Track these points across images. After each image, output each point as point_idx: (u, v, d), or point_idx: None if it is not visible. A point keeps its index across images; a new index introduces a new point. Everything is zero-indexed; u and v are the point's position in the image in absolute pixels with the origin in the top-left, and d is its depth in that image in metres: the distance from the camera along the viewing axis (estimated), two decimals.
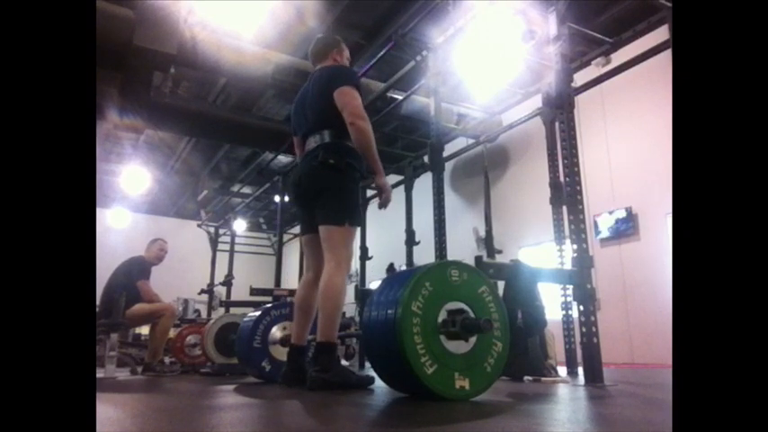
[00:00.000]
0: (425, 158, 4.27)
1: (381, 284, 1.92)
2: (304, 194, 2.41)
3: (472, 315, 1.69)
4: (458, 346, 1.66)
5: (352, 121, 2.26)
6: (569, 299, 3.43)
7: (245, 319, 3.18)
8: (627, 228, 6.22)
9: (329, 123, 2.36)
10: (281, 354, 2.92)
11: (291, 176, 2.56)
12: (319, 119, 2.40)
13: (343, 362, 5.62)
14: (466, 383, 1.63)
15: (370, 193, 5.81)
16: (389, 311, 1.65)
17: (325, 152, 2.32)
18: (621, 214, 6.29)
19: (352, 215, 2.29)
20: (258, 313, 3.03)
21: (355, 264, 7.63)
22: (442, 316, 1.66)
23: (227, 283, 7.79)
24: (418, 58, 3.96)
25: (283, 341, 2.95)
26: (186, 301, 10.31)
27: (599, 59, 6.09)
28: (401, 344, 1.56)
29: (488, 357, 1.71)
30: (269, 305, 3.25)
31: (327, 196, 2.30)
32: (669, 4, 3.52)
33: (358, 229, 2.43)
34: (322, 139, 2.37)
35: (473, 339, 1.68)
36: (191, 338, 4.83)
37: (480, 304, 1.74)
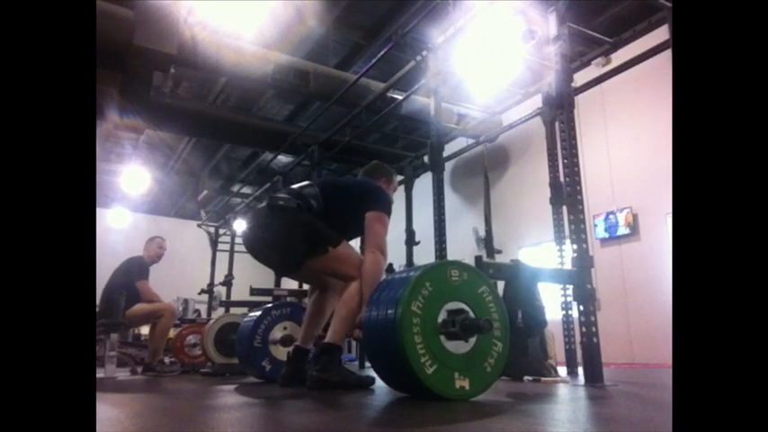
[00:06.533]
0: (425, 158, 4.27)
1: (381, 283, 1.92)
2: (265, 242, 2.34)
3: (472, 315, 1.69)
4: (458, 346, 1.65)
5: (373, 250, 2.24)
6: (569, 299, 3.43)
7: (246, 319, 3.18)
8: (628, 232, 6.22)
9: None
10: (281, 353, 2.92)
11: (246, 233, 2.49)
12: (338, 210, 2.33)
13: None
14: (466, 383, 1.63)
15: None
16: (389, 311, 1.65)
17: (273, 198, 2.30)
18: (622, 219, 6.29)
19: (329, 239, 2.25)
20: (259, 313, 3.03)
21: None
22: (442, 316, 1.66)
23: (227, 283, 7.78)
24: (418, 58, 3.96)
25: (284, 341, 2.95)
26: (186, 301, 10.30)
27: (599, 59, 6.08)
28: (401, 344, 1.56)
29: (488, 358, 1.71)
30: (270, 305, 3.26)
31: (293, 236, 2.22)
32: (669, 4, 3.51)
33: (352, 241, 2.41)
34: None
35: (473, 339, 1.68)
36: (191, 338, 4.83)
37: (480, 304, 1.74)
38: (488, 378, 1.70)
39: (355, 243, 2.53)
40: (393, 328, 1.60)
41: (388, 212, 2.36)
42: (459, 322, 1.63)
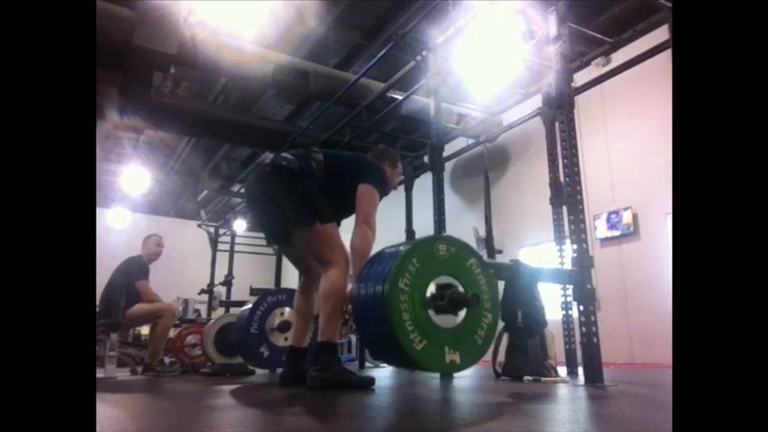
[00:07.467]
0: (425, 158, 4.26)
1: (372, 258, 1.92)
2: (262, 200, 2.35)
3: (461, 289, 1.69)
4: (447, 320, 1.66)
5: (361, 224, 2.22)
6: (569, 299, 3.43)
7: (242, 308, 3.20)
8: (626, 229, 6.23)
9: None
10: (279, 339, 2.94)
11: (246, 188, 2.51)
12: (332, 177, 2.33)
13: None
14: (456, 357, 1.63)
15: None
16: (377, 288, 1.65)
17: (278, 156, 2.31)
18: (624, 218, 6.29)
19: (318, 212, 2.23)
20: (254, 300, 3.05)
21: None
22: (430, 290, 1.66)
23: (227, 283, 7.78)
24: (418, 58, 3.96)
25: (281, 327, 2.96)
26: (186, 301, 10.29)
27: (599, 59, 6.08)
28: (389, 323, 1.56)
29: (479, 330, 1.71)
30: (265, 292, 3.27)
31: (287, 199, 2.23)
32: (669, 4, 3.51)
33: (338, 227, 2.38)
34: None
35: (463, 313, 1.68)
36: (191, 338, 4.82)
37: (469, 277, 1.74)
38: (479, 350, 1.71)
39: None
40: (381, 306, 1.60)
41: (381, 189, 2.34)
42: (448, 297, 1.63)
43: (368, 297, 1.70)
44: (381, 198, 2.36)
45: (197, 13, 5.72)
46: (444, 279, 1.69)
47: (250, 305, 3.07)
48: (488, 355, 2.81)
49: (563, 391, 2.10)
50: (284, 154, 2.34)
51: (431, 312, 1.63)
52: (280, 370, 2.74)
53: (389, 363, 1.85)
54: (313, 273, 2.46)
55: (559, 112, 2.76)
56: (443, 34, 3.83)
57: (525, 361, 2.67)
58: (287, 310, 3.02)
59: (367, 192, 2.27)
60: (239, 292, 6.70)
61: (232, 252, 8.30)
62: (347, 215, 2.42)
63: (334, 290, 2.15)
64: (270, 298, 3.05)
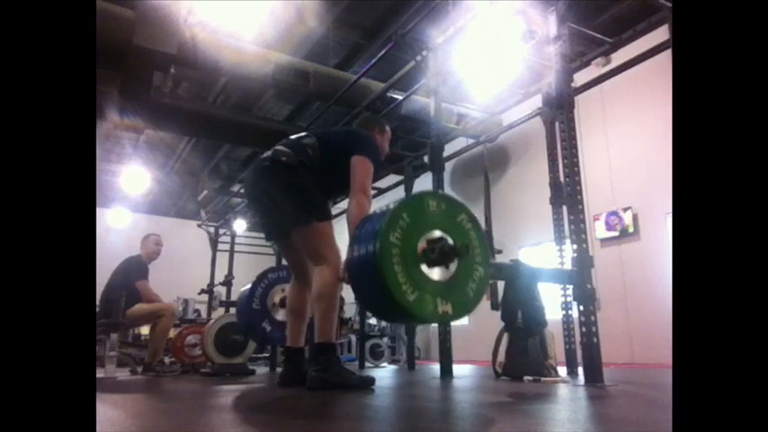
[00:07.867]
0: (425, 158, 4.26)
1: (364, 219, 1.94)
2: (260, 197, 2.34)
3: (451, 243, 1.71)
4: (439, 273, 1.69)
5: (356, 194, 2.20)
6: (569, 299, 3.43)
7: (243, 288, 3.21)
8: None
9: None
10: (281, 315, 2.94)
11: (245, 182, 2.53)
12: (326, 152, 2.34)
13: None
14: (449, 308, 1.67)
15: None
16: (369, 245, 1.67)
17: (277, 151, 2.31)
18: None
19: (316, 210, 2.23)
20: (255, 278, 3.06)
21: None
22: (422, 245, 1.69)
23: (227, 283, 7.77)
24: (418, 58, 3.96)
25: (283, 303, 2.97)
26: (186, 301, 10.28)
27: (599, 59, 6.08)
28: (381, 275, 1.58)
29: (470, 282, 1.74)
30: (266, 269, 3.27)
31: (285, 196, 2.24)
32: (669, 4, 3.51)
33: (334, 225, 2.38)
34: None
35: (454, 266, 1.70)
36: (191, 338, 4.82)
37: (460, 232, 1.77)
38: (471, 302, 1.73)
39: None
40: (373, 260, 1.61)
41: (373, 158, 2.34)
42: (439, 249, 1.66)
43: (360, 255, 1.73)
44: (376, 167, 2.36)
45: (197, 13, 5.73)
46: (435, 234, 1.72)
47: (250, 285, 3.08)
48: (488, 355, 2.82)
49: (563, 391, 2.10)
50: (280, 147, 2.33)
51: (422, 266, 1.67)
52: (279, 369, 2.74)
53: (386, 318, 1.86)
54: (307, 270, 2.47)
55: (559, 112, 2.76)
56: (443, 34, 3.83)
57: (525, 361, 2.67)
58: (288, 286, 3.04)
59: (360, 162, 2.27)
60: (239, 292, 6.70)
61: (232, 252, 8.29)
62: (343, 192, 2.41)
63: (327, 288, 2.15)
64: (270, 275, 3.07)
